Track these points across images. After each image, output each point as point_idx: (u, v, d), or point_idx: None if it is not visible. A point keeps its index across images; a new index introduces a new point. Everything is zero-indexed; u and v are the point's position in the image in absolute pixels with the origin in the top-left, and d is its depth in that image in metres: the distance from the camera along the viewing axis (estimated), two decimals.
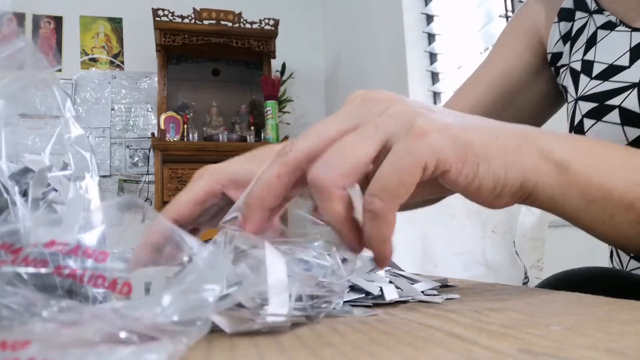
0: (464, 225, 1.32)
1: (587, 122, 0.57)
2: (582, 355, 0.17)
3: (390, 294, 0.31)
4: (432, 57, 2.48)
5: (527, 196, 0.33)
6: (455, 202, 1.35)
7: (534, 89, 0.67)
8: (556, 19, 0.64)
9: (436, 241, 1.34)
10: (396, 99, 0.31)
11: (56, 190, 0.27)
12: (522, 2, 2.00)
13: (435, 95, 2.48)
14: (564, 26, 0.63)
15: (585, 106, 0.57)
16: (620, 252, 0.63)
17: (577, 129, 0.59)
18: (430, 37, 2.47)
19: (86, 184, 0.29)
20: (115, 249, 0.30)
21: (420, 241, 1.35)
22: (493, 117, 0.61)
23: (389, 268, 0.41)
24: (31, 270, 0.21)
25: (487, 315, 0.26)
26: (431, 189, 0.33)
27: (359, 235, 0.30)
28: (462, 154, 0.30)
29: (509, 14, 2.02)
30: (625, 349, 0.18)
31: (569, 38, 0.63)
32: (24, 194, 0.26)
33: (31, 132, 0.29)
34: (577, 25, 0.62)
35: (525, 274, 1.21)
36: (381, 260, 0.30)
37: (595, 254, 1.44)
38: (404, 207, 0.30)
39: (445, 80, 2.40)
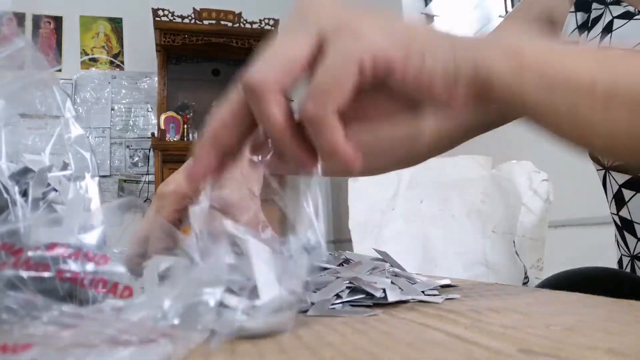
0: (464, 225, 1.32)
1: None
2: (582, 355, 0.17)
3: (393, 296, 0.31)
4: None
5: (483, 87, 0.29)
6: (455, 202, 1.35)
7: None
8: (573, 9, 0.65)
9: (436, 241, 1.34)
10: (332, 3, 0.29)
11: (56, 190, 0.27)
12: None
13: None
14: (581, 17, 0.64)
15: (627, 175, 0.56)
16: (636, 262, 0.63)
17: None
18: None
19: (86, 184, 0.29)
20: (115, 249, 0.30)
21: (420, 241, 1.35)
22: None
23: (391, 268, 0.41)
24: (33, 274, 0.21)
25: (487, 315, 0.26)
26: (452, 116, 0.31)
27: (308, 148, 0.28)
28: (404, 48, 0.27)
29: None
30: (625, 349, 0.18)
31: (585, 28, 0.63)
32: (24, 194, 0.26)
33: (31, 132, 0.29)
34: (593, 15, 0.63)
35: (525, 274, 1.21)
36: (346, 168, 0.28)
37: (595, 254, 1.45)
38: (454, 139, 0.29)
39: None
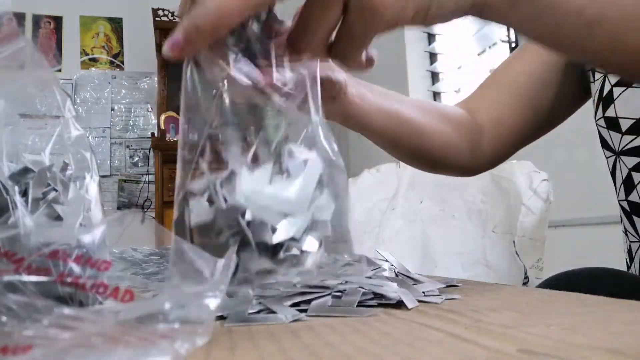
0: (464, 225, 1.31)
1: (617, 91, 0.59)
2: (582, 355, 0.17)
3: (411, 302, 0.31)
4: (432, 57, 2.48)
5: (479, 13, 0.35)
6: (455, 202, 1.35)
7: (571, 74, 0.67)
8: None
9: (436, 241, 1.34)
10: None
11: (56, 190, 0.27)
12: None
13: (435, 95, 2.48)
14: None
15: (615, 77, 0.59)
16: None
17: (606, 99, 0.60)
18: (430, 37, 2.47)
19: (86, 184, 0.29)
20: (115, 249, 0.30)
21: (420, 241, 1.35)
22: (538, 88, 0.64)
23: (393, 267, 0.41)
24: (34, 278, 0.21)
25: (487, 315, 0.26)
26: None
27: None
28: (411, 11, 0.33)
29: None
30: (625, 349, 0.18)
31: None
32: (24, 194, 0.26)
33: (31, 132, 0.29)
34: None
35: (525, 274, 1.21)
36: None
37: (595, 253, 1.45)
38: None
39: (445, 80, 2.40)
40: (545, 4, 0.35)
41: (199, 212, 0.27)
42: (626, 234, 0.65)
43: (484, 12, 0.35)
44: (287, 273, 0.27)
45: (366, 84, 0.54)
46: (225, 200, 0.26)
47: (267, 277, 0.27)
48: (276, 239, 0.26)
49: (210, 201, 0.27)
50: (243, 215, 0.26)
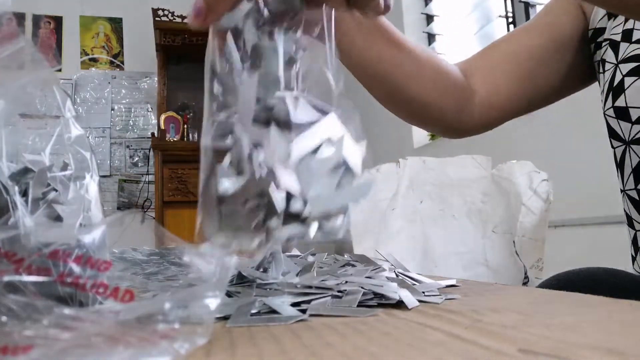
0: (464, 225, 1.31)
1: (628, 80, 0.59)
2: (582, 355, 0.17)
3: (411, 302, 0.31)
4: (431, 38, 2.48)
5: None
6: (455, 202, 1.35)
7: (576, 54, 0.68)
8: None
9: (436, 241, 1.34)
10: None
11: (56, 190, 0.27)
12: (521, 2, 2.00)
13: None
14: None
15: (626, 67, 0.59)
16: None
17: (616, 89, 0.60)
18: (430, 37, 2.47)
19: (86, 184, 0.28)
20: (115, 249, 0.30)
21: (420, 241, 1.35)
22: (538, 61, 0.64)
23: (393, 267, 0.41)
24: (33, 278, 0.21)
25: (487, 315, 0.26)
26: None
27: None
28: None
29: (509, 14, 2.02)
30: (625, 349, 0.18)
31: (612, 15, 0.64)
32: (24, 194, 0.26)
33: (31, 132, 0.29)
34: None
35: (525, 274, 1.21)
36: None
37: (595, 253, 1.45)
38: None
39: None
40: None
41: (225, 180, 0.27)
42: (632, 225, 0.65)
43: None
44: (316, 236, 0.26)
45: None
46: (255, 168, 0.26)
47: (294, 241, 0.26)
48: (308, 211, 0.25)
49: (239, 169, 0.26)
50: (273, 184, 0.25)
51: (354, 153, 0.27)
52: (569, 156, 1.51)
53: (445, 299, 0.33)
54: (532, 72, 0.66)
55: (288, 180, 0.25)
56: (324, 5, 0.33)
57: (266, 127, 0.27)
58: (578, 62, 0.68)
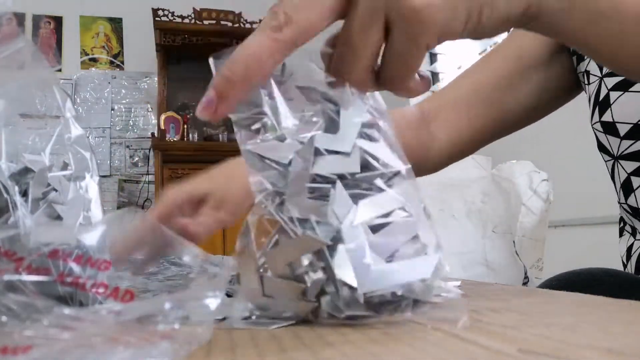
0: (464, 225, 1.32)
1: (613, 95, 0.58)
2: (582, 355, 0.17)
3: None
4: (432, 57, 2.48)
5: (531, 21, 0.32)
6: (455, 202, 1.35)
7: (551, 70, 0.66)
8: None
9: None
10: None
11: (56, 190, 0.27)
12: None
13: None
14: None
15: (611, 81, 0.58)
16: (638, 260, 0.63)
17: (602, 103, 0.60)
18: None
19: (86, 184, 0.29)
20: None
21: None
22: (506, 88, 0.62)
23: None
24: (33, 278, 0.21)
25: (487, 315, 0.26)
26: None
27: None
28: (463, 17, 0.29)
29: None
30: (625, 349, 0.18)
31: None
32: (24, 194, 0.26)
33: (31, 132, 0.29)
34: None
35: (525, 274, 1.21)
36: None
37: (595, 254, 1.45)
38: None
39: (446, 80, 2.40)
40: (604, 6, 0.32)
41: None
42: (622, 232, 0.65)
43: (537, 19, 0.32)
44: (380, 317, 0.23)
45: None
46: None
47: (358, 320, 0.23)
48: (369, 290, 0.22)
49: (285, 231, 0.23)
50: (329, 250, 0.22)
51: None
52: (569, 156, 1.51)
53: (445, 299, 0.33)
54: (500, 100, 0.64)
55: (359, 242, 0.22)
56: (351, 84, 0.30)
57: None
58: (556, 76, 0.66)
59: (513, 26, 0.32)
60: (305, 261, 0.23)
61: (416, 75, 0.32)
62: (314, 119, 0.27)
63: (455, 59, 2.34)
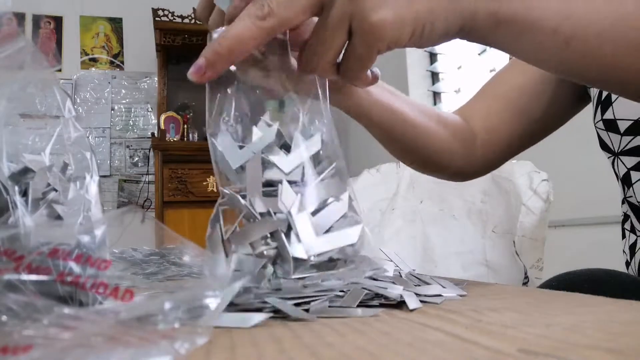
0: (464, 225, 1.31)
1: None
2: (582, 355, 0.17)
3: (414, 303, 0.30)
4: (432, 57, 2.48)
5: (466, 36, 0.39)
6: (455, 202, 1.35)
7: (559, 78, 0.68)
8: None
9: (436, 241, 1.34)
10: None
11: (56, 190, 0.27)
12: None
13: (435, 95, 2.48)
14: None
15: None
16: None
17: (604, 102, 0.61)
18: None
19: (86, 184, 0.28)
20: (115, 249, 0.30)
21: (420, 241, 1.35)
22: (532, 95, 0.67)
23: (397, 268, 0.41)
24: (33, 277, 0.21)
25: (487, 315, 0.26)
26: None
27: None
28: (408, 32, 0.36)
29: None
30: (625, 349, 0.18)
31: None
32: (24, 194, 0.26)
33: (31, 132, 0.29)
34: None
35: (525, 274, 1.21)
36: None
37: (595, 254, 1.45)
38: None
39: (445, 80, 2.40)
40: (524, 25, 0.37)
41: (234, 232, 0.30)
42: (633, 231, 0.65)
43: (471, 35, 0.38)
44: (327, 278, 0.30)
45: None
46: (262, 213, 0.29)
47: (304, 283, 0.29)
48: (315, 254, 0.29)
49: (247, 217, 0.30)
50: (283, 229, 0.29)
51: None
52: (569, 156, 1.51)
53: (445, 299, 0.33)
54: (526, 108, 0.67)
55: (303, 224, 0.29)
56: (315, 74, 0.38)
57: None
58: (568, 86, 0.68)
59: (451, 39, 0.39)
60: (263, 241, 0.29)
61: (369, 72, 0.40)
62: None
63: (455, 59, 2.34)
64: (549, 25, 0.37)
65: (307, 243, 0.28)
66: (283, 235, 0.28)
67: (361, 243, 0.31)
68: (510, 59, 0.74)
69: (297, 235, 0.28)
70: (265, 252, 0.28)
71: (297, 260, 0.28)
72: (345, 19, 0.35)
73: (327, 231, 0.30)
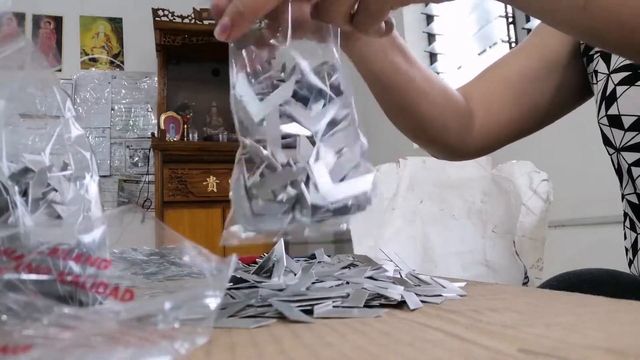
0: (464, 225, 1.31)
1: (620, 89, 0.60)
2: (582, 355, 0.17)
3: (415, 304, 0.31)
4: (432, 57, 2.48)
5: None
6: (455, 202, 1.35)
7: (568, 71, 0.68)
8: None
9: (436, 241, 1.34)
10: None
11: (56, 190, 0.27)
12: None
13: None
14: None
15: (618, 77, 0.60)
16: None
17: (609, 98, 0.61)
18: (430, 37, 2.47)
19: (86, 184, 0.28)
20: (115, 249, 0.30)
21: (420, 241, 1.35)
22: (533, 80, 0.66)
23: (398, 268, 0.41)
24: (34, 277, 0.21)
25: (487, 315, 0.26)
26: None
27: None
28: None
29: (509, 14, 2.02)
30: (625, 349, 0.18)
31: None
32: (24, 194, 0.26)
33: (31, 132, 0.29)
34: None
35: (525, 274, 1.21)
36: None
37: (595, 254, 1.45)
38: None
39: (445, 81, 2.40)
40: None
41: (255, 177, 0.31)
42: (634, 228, 0.65)
43: None
44: (339, 222, 0.32)
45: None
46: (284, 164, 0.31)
47: (320, 225, 0.31)
48: (332, 202, 0.31)
49: (270, 167, 0.31)
50: (301, 179, 0.30)
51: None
52: (569, 156, 1.51)
53: (445, 299, 0.33)
54: (527, 94, 0.67)
55: (320, 173, 0.30)
56: (329, 23, 0.38)
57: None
58: (572, 78, 0.68)
59: None
60: (284, 188, 0.31)
61: (382, 23, 0.41)
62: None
63: (455, 58, 2.34)
64: None
65: (324, 191, 0.30)
66: (302, 184, 0.30)
67: (373, 190, 0.33)
68: (517, 44, 0.74)
69: (315, 184, 0.30)
70: (285, 199, 0.30)
71: (315, 207, 0.30)
72: None
73: (342, 179, 0.31)
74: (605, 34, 0.40)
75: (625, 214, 0.65)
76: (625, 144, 0.61)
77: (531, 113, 0.68)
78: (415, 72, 0.59)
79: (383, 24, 0.41)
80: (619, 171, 0.64)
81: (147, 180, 3.24)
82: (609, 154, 0.65)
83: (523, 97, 0.67)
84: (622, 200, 0.65)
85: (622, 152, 0.61)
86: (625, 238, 0.67)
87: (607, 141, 0.64)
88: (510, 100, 0.67)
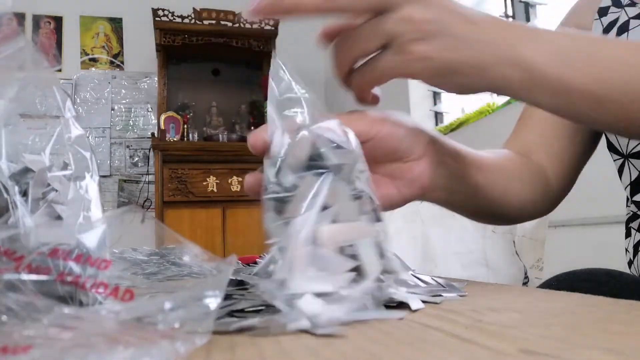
0: (464, 225, 1.31)
1: None
2: (582, 355, 0.17)
3: (416, 304, 0.30)
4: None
5: (497, 91, 0.40)
6: None
7: None
8: (596, 16, 0.66)
9: (436, 241, 1.34)
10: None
11: (56, 190, 0.27)
12: (521, 2, 2.00)
13: (435, 96, 2.48)
14: (605, 21, 0.65)
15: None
16: None
17: None
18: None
19: (86, 184, 0.28)
20: (115, 249, 0.30)
21: (420, 241, 1.35)
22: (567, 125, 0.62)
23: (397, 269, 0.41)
24: (34, 277, 0.21)
25: (487, 315, 0.26)
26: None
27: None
28: (439, 78, 0.37)
29: (509, 14, 2.02)
30: (625, 349, 0.18)
31: (606, 32, 0.64)
32: (24, 194, 0.26)
33: (31, 132, 0.29)
34: (610, 18, 0.64)
35: (525, 274, 1.21)
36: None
37: (595, 254, 1.45)
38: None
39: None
40: (560, 87, 0.38)
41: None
42: (629, 233, 0.65)
43: (501, 91, 0.39)
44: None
45: (441, 149, 0.46)
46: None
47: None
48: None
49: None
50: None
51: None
52: None
53: (445, 299, 0.33)
54: (574, 126, 0.62)
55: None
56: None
57: None
58: None
59: (478, 92, 0.41)
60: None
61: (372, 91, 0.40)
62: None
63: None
64: (583, 88, 0.38)
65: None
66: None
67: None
68: None
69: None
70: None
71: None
72: (390, 34, 0.35)
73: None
74: (617, 127, 0.42)
75: (636, 215, 0.64)
76: (632, 150, 0.60)
77: (586, 140, 0.63)
78: (488, 176, 0.50)
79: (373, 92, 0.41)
80: (625, 176, 0.63)
81: (147, 180, 3.24)
82: (613, 160, 0.64)
83: (577, 127, 0.62)
84: (629, 204, 0.64)
85: (630, 159, 0.61)
86: (626, 237, 0.67)
87: (611, 147, 0.63)
88: (568, 136, 0.62)
